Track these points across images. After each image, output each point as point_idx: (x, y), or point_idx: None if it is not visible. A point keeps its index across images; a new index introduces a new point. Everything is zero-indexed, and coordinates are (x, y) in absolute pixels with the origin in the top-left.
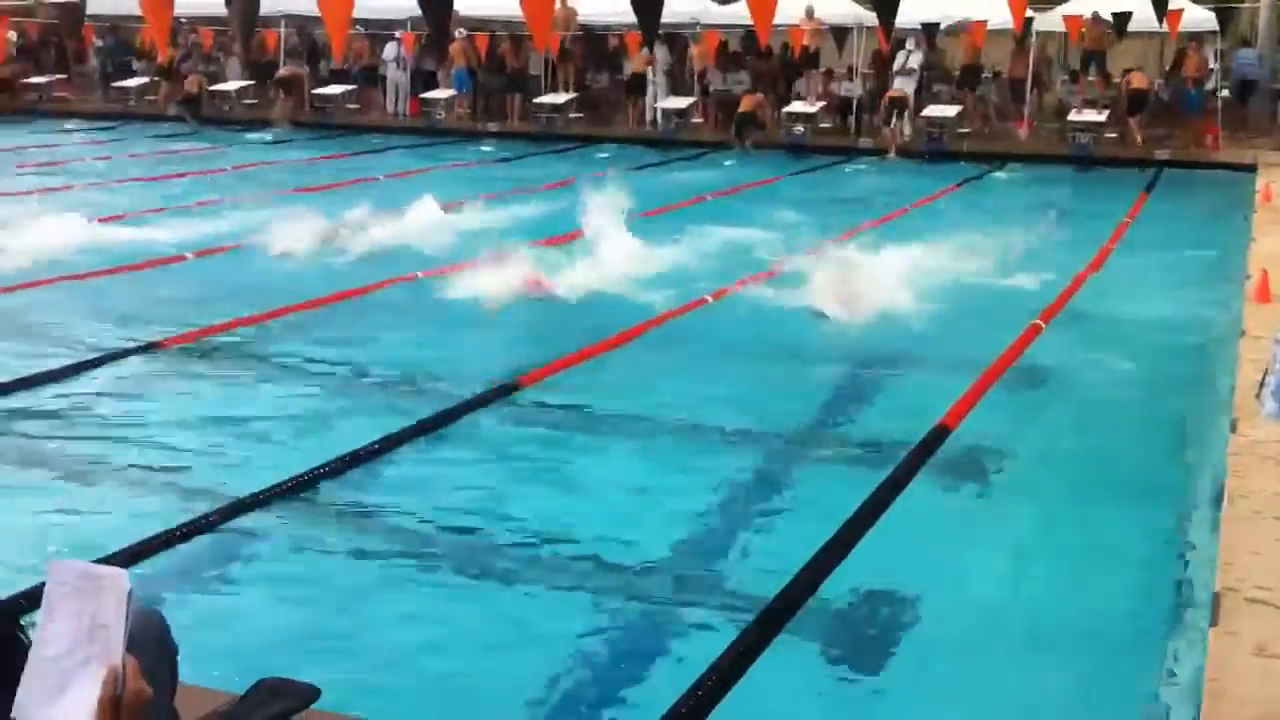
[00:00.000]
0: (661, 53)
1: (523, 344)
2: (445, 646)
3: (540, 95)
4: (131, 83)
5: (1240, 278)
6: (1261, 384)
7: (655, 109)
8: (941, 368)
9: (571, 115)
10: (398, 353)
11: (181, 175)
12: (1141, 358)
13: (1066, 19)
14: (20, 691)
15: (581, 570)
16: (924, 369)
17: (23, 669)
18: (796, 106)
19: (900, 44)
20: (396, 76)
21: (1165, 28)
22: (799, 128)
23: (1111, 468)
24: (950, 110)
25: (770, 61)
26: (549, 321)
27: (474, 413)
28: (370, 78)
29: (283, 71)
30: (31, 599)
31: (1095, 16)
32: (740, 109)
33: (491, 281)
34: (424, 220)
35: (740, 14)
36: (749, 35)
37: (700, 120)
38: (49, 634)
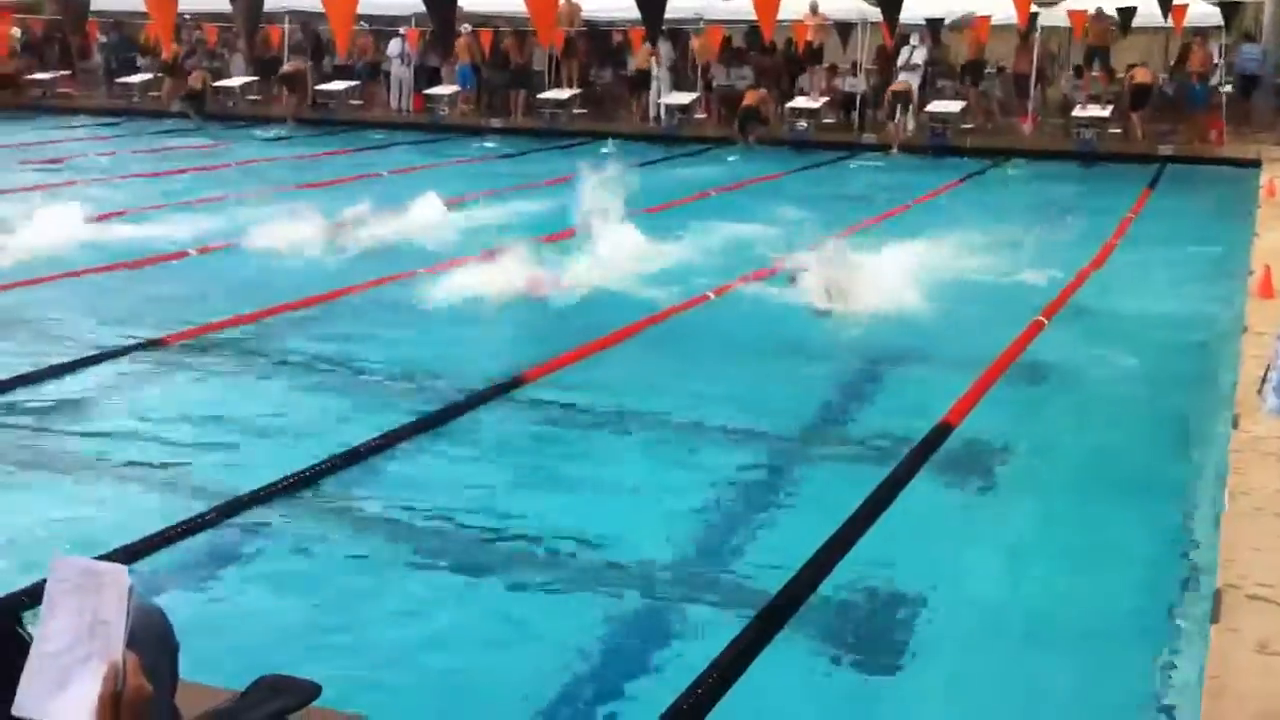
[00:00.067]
0: (665, 48)
1: (524, 340)
2: (445, 643)
3: (544, 91)
4: (135, 79)
5: (1243, 273)
6: (1263, 380)
7: (659, 105)
8: (944, 364)
9: (575, 111)
10: (400, 349)
11: (185, 171)
12: (1144, 354)
13: (1071, 14)
14: (21, 688)
15: (582, 567)
16: (926, 365)
17: (23, 665)
18: (800, 102)
19: (904, 39)
20: (400, 72)
21: (1170, 23)
22: (802, 123)
23: (1113, 464)
24: (954, 106)
25: (774, 57)
26: (551, 318)
27: (476, 409)
28: (374, 74)
29: (287, 68)
30: (32, 595)
31: (1099, 12)
32: (743, 104)
33: (494, 278)
34: (427, 216)
35: (744, 9)
36: (752, 30)
37: (704, 116)
38: (50, 630)
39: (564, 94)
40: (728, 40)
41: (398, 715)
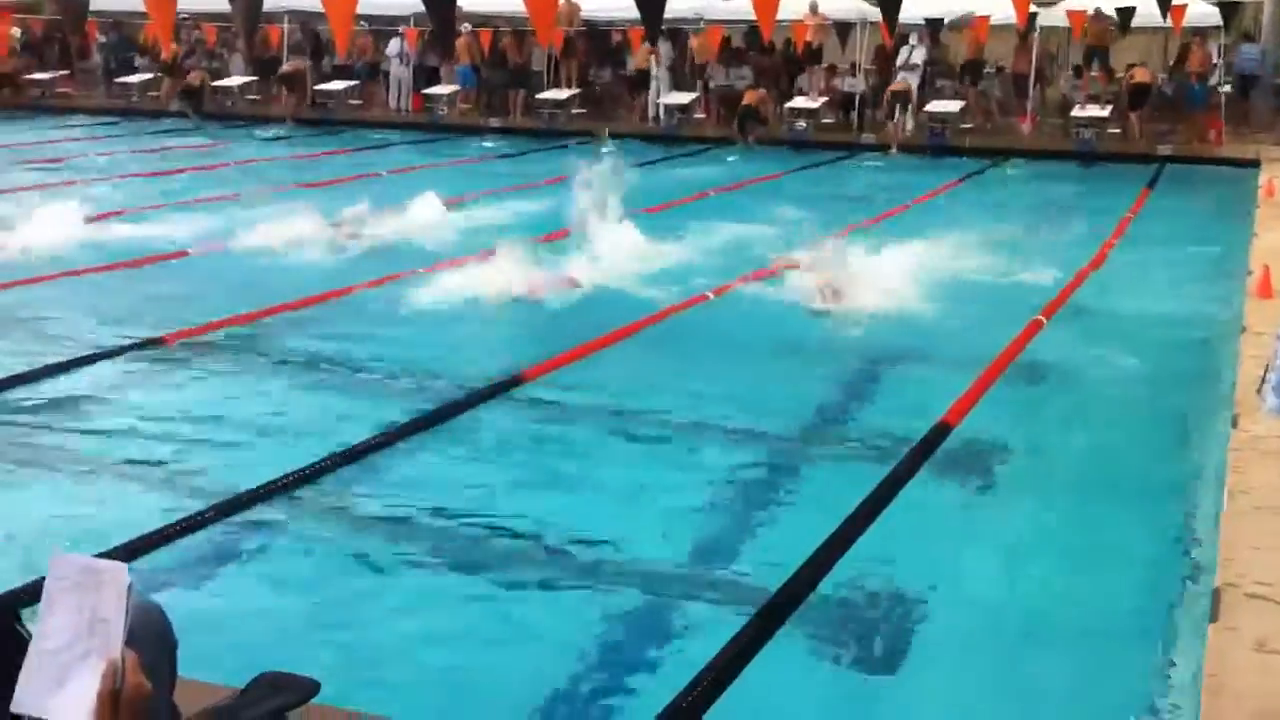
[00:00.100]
0: (664, 48)
1: (523, 339)
2: (444, 641)
3: (543, 91)
4: (134, 79)
5: (1242, 273)
6: (1263, 380)
7: (658, 104)
8: (943, 363)
9: (574, 111)
10: (399, 348)
11: (184, 171)
12: (1143, 353)
13: (1070, 14)
14: (20, 685)
15: (581, 566)
16: (926, 364)
17: (22, 663)
18: (799, 102)
19: (903, 39)
20: (399, 72)
21: (1169, 23)
22: (801, 123)
23: (1112, 464)
24: (953, 105)
25: (773, 57)
26: (550, 317)
27: (475, 408)
28: (373, 73)
29: (286, 67)
30: (31, 593)
31: (1098, 12)
32: (743, 103)
33: (493, 277)
34: (426, 216)
35: (743, 9)
36: (752, 30)
37: (703, 116)
38: (49, 628)
39: (563, 94)
40: (727, 40)
41: (397, 713)
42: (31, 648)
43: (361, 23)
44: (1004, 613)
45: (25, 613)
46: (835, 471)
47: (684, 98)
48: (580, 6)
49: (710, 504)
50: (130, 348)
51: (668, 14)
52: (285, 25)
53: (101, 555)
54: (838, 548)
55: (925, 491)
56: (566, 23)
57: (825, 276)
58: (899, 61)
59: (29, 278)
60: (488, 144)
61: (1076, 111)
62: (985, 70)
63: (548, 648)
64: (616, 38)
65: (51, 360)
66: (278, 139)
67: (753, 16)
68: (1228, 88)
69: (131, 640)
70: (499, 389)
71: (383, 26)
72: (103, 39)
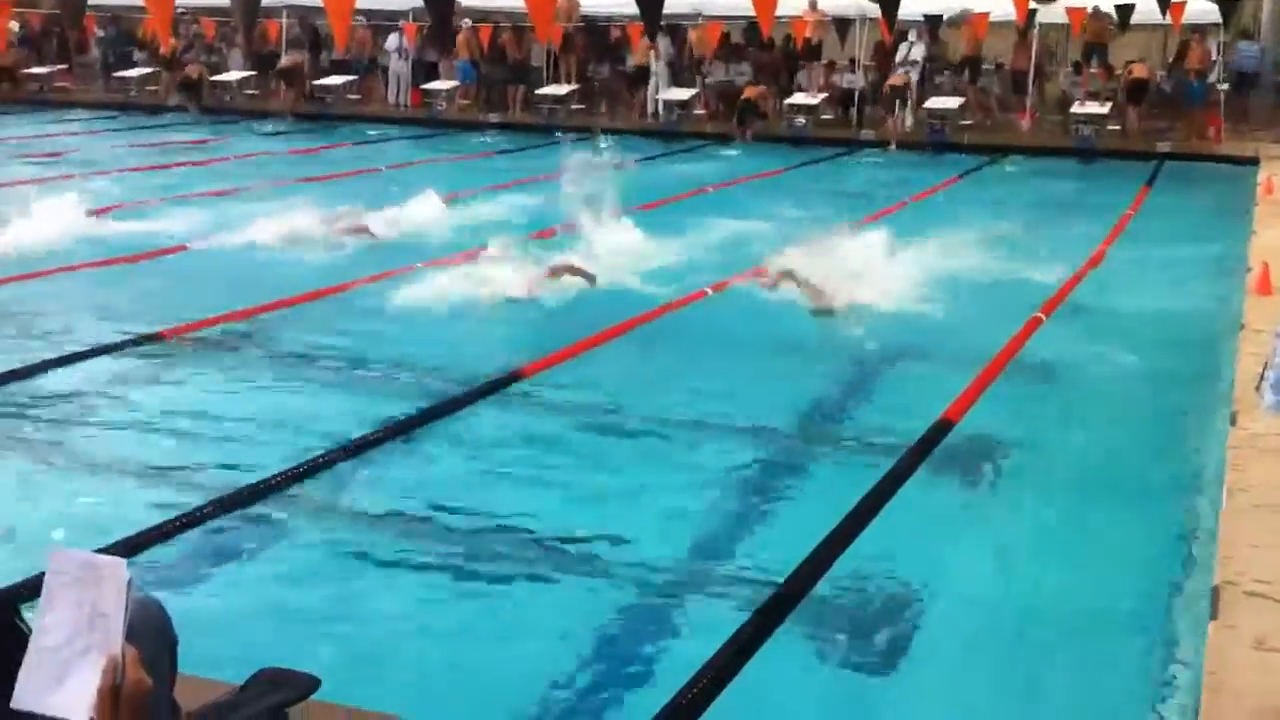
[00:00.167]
0: (664, 44)
1: (522, 336)
2: (443, 638)
3: (542, 87)
4: (133, 73)
5: (1241, 271)
6: (1261, 377)
7: (657, 100)
8: (943, 360)
9: (573, 107)
10: (397, 344)
11: (182, 166)
12: (1142, 351)
13: (1069, 11)
14: (20, 681)
15: (580, 563)
16: (925, 361)
17: (22, 659)
18: (798, 98)
19: (903, 36)
20: (398, 67)
21: (1168, 20)
22: (800, 119)
23: (1111, 461)
24: (952, 102)
25: (772, 53)
26: (549, 314)
27: (473, 405)
28: (372, 68)
29: (284, 62)
30: (31, 588)
31: (1097, 9)
32: (742, 97)
33: (492, 273)
34: (425, 212)
35: (743, 5)
36: (751, 26)
37: (702, 112)
38: (49, 623)
39: (562, 89)
40: (726, 36)
41: (396, 709)
42: (31, 643)
43: (360, 17)
44: (1003, 609)
45: (25, 608)
46: (835, 469)
47: (683, 94)
48: (580, 2)
49: (709, 501)
50: (128, 343)
51: (667, 10)
52: (284, 20)
53: (101, 550)
54: (838, 545)
55: (925, 489)
56: (566, 18)
57: (823, 273)
58: (898, 58)
59: (27, 272)
60: (487, 139)
61: (1075, 108)
62: (984, 67)
63: (546, 645)
64: (616, 33)
65: (49, 355)
66: (276, 134)
67: (752, 12)
68: (1226, 85)
69: (131, 635)
70: (497, 385)
71: (382, 21)
72: (101, 33)
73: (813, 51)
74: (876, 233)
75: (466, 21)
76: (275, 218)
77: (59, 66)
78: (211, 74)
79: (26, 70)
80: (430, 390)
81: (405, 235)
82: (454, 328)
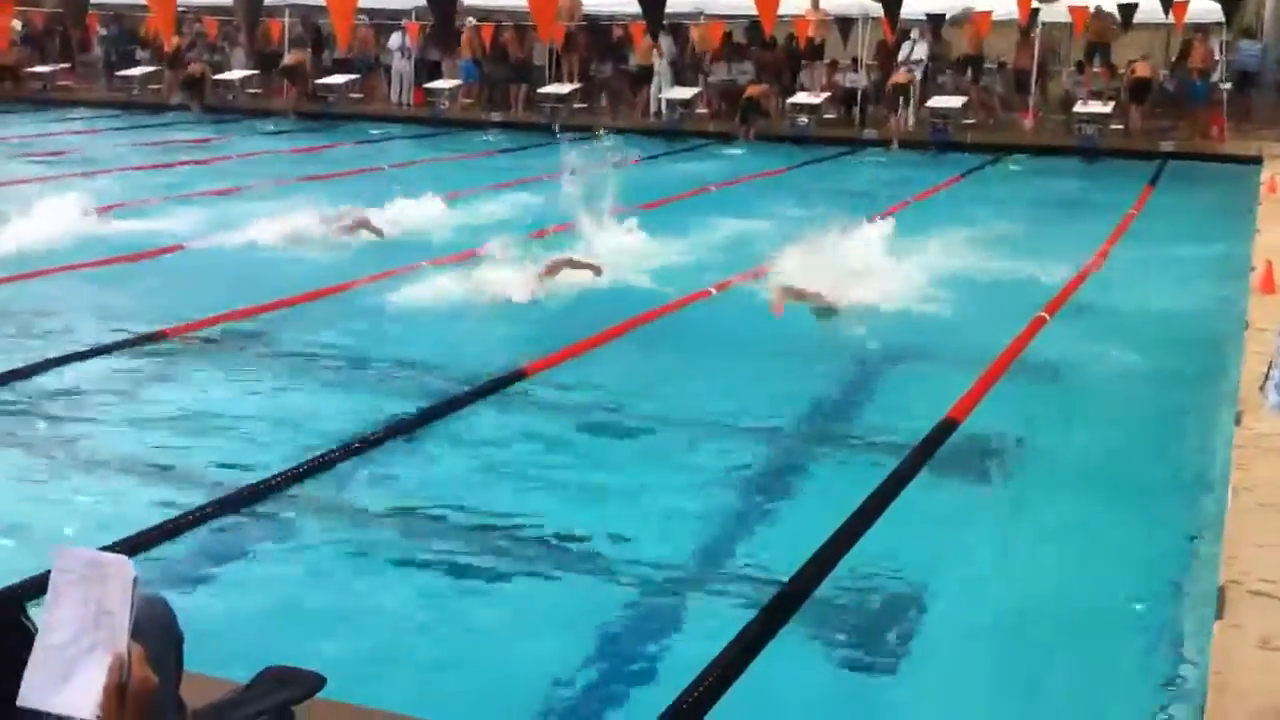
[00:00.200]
0: (666, 43)
1: (524, 335)
2: (447, 637)
3: (544, 85)
4: (135, 72)
5: (1244, 270)
6: (1266, 377)
7: (659, 99)
8: (947, 360)
9: (576, 106)
10: (399, 343)
11: (184, 164)
12: (1146, 350)
13: (1072, 10)
14: (25, 679)
15: (582, 563)
16: (929, 361)
17: (28, 657)
18: (801, 97)
19: (905, 35)
20: (401, 66)
21: (1171, 19)
22: (803, 119)
23: (1116, 460)
24: (955, 101)
25: (775, 52)
26: (551, 313)
27: (475, 404)
28: (374, 67)
29: (287, 61)
30: (37, 586)
31: (1100, 9)
32: (745, 95)
33: (494, 272)
34: (427, 211)
35: (745, 4)
36: (754, 25)
37: (704, 111)
38: (54, 621)
39: (564, 89)
40: (728, 35)
41: (401, 707)
42: (37, 642)
43: (363, 16)
44: (1007, 608)
45: (31, 606)
46: (839, 468)
47: (686, 93)
48: (582, 1)
49: (712, 501)
50: (130, 342)
51: (669, 8)
52: (286, 18)
53: (106, 548)
54: (842, 545)
55: (929, 489)
56: (568, 17)
57: (826, 272)
58: (900, 57)
59: (29, 271)
60: (489, 138)
61: (1079, 107)
62: (987, 66)
63: (548, 643)
64: (618, 32)
65: (51, 354)
66: (279, 133)
67: (754, 11)
68: (1229, 84)
69: (137, 634)
70: (499, 384)
71: (384, 20)
72: (104, 32)
73: (815, 50)
74: (879, 232)
75: (469, 20)
76: (277, 217)
77: (61, 65)
78: (214, 73)
79: (29, 69)
80: (432, 389)
81: (407, 234)
82: (456, 327)
